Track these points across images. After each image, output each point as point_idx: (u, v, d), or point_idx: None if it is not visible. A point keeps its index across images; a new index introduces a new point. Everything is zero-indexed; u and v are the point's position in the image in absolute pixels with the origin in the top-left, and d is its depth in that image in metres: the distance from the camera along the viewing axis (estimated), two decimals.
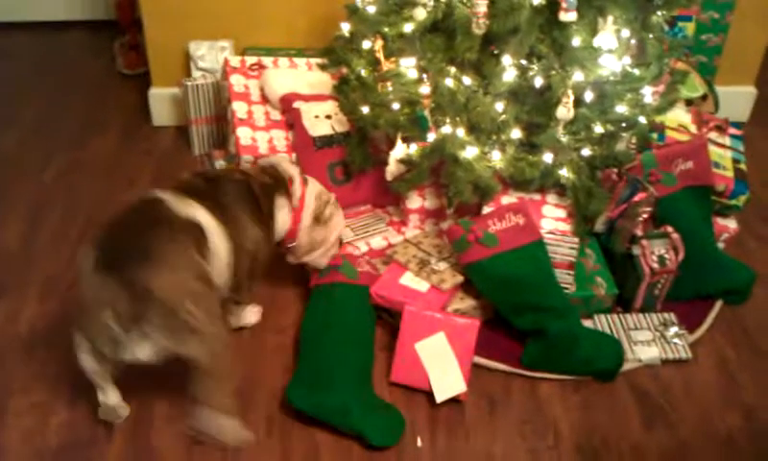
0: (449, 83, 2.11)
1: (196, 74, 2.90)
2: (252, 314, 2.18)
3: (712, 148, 2.49)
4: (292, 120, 2.52)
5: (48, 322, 2.17)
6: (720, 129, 2.61)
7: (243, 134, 2.48)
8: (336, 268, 2.14)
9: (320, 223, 2.09)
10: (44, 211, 2.59)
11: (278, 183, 2.04)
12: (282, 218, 2.04)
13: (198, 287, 1.68)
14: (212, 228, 1.80)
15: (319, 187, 2.12)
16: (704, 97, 2.93)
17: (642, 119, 2.19)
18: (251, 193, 1.94)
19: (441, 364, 1.96)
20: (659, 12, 2.18)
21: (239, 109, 2.55)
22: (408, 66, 2.19)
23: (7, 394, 1.95)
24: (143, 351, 1.68)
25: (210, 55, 2.92)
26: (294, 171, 2.08)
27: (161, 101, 3.07)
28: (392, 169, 2.28)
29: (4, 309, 2.21)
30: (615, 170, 2.29)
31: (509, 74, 2.05)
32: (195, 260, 1.70)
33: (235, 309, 2.12)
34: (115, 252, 1.64)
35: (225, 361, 1.75)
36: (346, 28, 2.40)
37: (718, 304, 2.30)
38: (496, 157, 2.15)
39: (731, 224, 2.47)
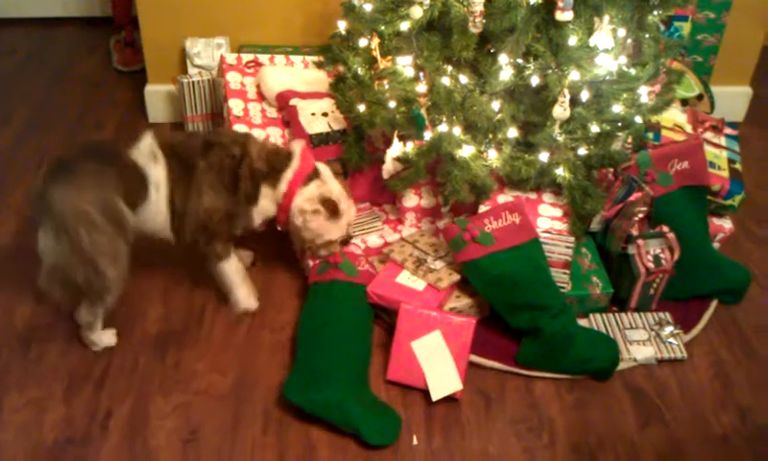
0: (446, 81, 2.11)
1: (192, 71, 2.90)
2: (246, 300, 2.19)
3: (708, 148, 2.49)
4: (288, 117, 2.52)
5: (43, 318, 2.17)
6: (716, 129, 2.61)
7: None
8: (336, 265, 2.14)
9: (308, 223, 2.10)
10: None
11: (271, 173, 2.07)
12: (265, 205, 2.10)
13: (98, 221, 1.87)
14: (159, 183, 1.99)
15: (315, 193, 2.09)
16: (699, 97, 2.94)
17: (638, 119, 2.19)
18: (233, 171, 2.02)
19: (437, 362, 1.96)
20: (655, 12, 2.18)
21: (235, 106, 2.55)
22: (404, 65, 2.19)
23: (2, 390, 1.95)
24: (42, 242, 1.91)
25: (206, 52, 2.91)
26: (293, 165, 2.08)
27: (157, 98, 3.06)
28: (388, 167, 2.28)
29: (0, 304, 2.21)
30: (611, 169, 2.30)
31: (505, 73, 2.05)
32: (108, 199, 1.90)
33: (220, 270, 2.15)
34: (57, 166, 1.90)
35: (96, 295, 1.96)
36: (342, 26, 2.40)
37: (713, 304, 2.31)
38: (493, 156, 2.15)
39: (726, 224, 2.47)
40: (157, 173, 2.00)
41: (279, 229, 2.19)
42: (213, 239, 2.09)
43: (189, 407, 1.93)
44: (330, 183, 2.13)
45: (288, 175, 2.08)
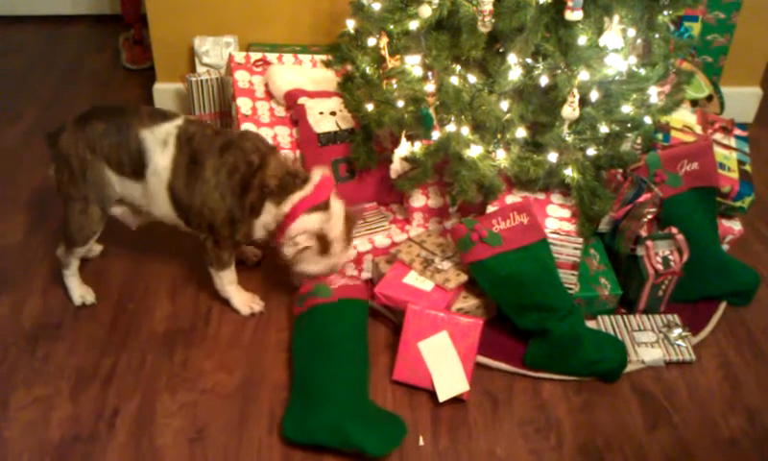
0: (454, 81, 2.11)
1: (200, 70, 2.90)
2: (246, 301, 2.22)
3: (717, 149, 2.48)
4: (296, 116, 2.51)
5: (51, 317, 2.17)
6: (725, 130, 2.60)
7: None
8: (310, 294, 2.07)
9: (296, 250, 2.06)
10: (48, 205, 2.59)
11: (280, 191, 2.03)
12: (266, 220, 2.07)
13: (77, 172, 2.05)
14: (160, 169, 2.05)
15: (315, 225, 2.03)
16: (709, 98, 2.92)
17: (648, 119, 2.18)
18: (245, 177, 2.03)
19: (443, 363, 1.96)
20: (665, 12, 2.16)
21: (243, 105, 2.55)
22: (413, 64, 2.18)
23: (10, 387, 1.95)
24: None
25: (215, 50, 2.91)
26: (305, 191, 2.03)
27: (166, 96, 3.07)
28: (396, 167, 2.28)
29: (8, 302, 2.21)
30: (620, 170, 2.29)
31: (514, 73, 2.04)
32: (93, 161, 2.05)
33: (213, 275, 2.19)
34: (80, 115, 2.10)
35: (66, 235, 2.14)
36: (351, 25, 2.39)
37: (722, 306, 2.30)
38: (501, 156, 2.14)
39: (735, 225, 2.46)
40: (162, 160, 2.04)
41: (272, 245, 2.16)
42: (218, 244, 2.10)
43: (196, 406, 1.93)
44: (335, 222, 2.06)
45: (295, 198, 2.02)
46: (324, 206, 2.05)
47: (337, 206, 2.08)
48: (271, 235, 2.10)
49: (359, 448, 1.78)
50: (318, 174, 2.07)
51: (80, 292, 2.22)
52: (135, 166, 2.06)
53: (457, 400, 1.96)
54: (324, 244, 2.05)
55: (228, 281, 2.19)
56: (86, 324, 2.15)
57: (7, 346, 2.07)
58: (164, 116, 2.09)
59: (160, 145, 2.04)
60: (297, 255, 2.06)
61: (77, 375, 2.00)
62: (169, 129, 2.06)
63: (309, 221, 2.02)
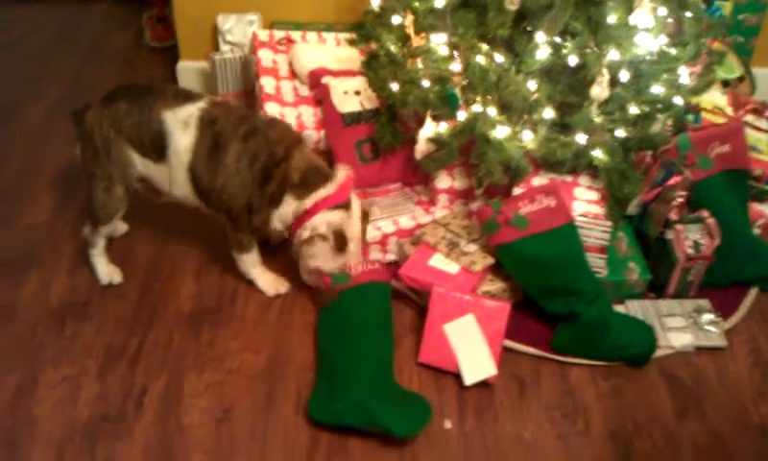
0: (481, 60, 2.07)
1: (224, 48, 2.88)
2: (271, 283, 2.21)
3: (749, 131, 2.44)
4: (320, 96, 2.49)
5: (78, 296, 2.19)
6: (757, 111, 2.56)
7: (271, 110, 2.45)
8: (329, 287, 2.05)
9: (312, 244, 2.06)
10: (75, 184, 2.59)
11: (302, 186, 2.04)
12: (285, 212, 2.08)
13: (100, 150, 2.06)
14: (180, 151, 2.04)
15: (335, 221, 2.04)
16: (740, 79, 2.87)
17: (678, 100, 2.14)
18: (267, 167, 2.02)
19: (470, 346, 1.95)
20: None
21: (267, 84, 2.53)
22: (439, 43, 2.15)
23: (38, 366, 1.97)
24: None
25: (238, 28, 2.89)
26: (328, 190, 2.04)
27: (189, 75, 3.06)
28: (421, 148, 2.26)
29: (35, 281, 2.22)
30: (650, 152, 2.25)
31: (542, 52, 2.01)
32: (116, 139, 2.05)
33: (236, 258, 2.18)
34: (107, 93, 2.12)
35: (91, 213, 2.16)
36: (375, 3, 2.36)
37: (753, 292, 2.26)
38: (528, 138, 2.11)
39: (767, 209, 2.42)
40: (183, 141, 2.04)
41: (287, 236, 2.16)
42: (236, 229, 2.11)
43: (222, 386, 1.94)
44: (353, 222, 2.08)
45: (318, 195, 2.03)
46: (346, 206, 2.07)
47: (356, 206, 2.10)
48: (287, 227, 2.11)
49: (385, 429, 1.78)
50: (342, 173, 2.08)
51: (107, 271, 2.23)
52: (156, 147, 2.06)
53: (483, 384, 1.95)
54: (340, 242, 2.05)
55: (251, 264, 2.19)
56: (113, 303, 2.16)
57: (34, 325, 2.09)
58: (188, 97, 2.08)
59: (182, 126, 2.03)
60: (311, 249, 2.06)
61: (104, 354, 2.01)
62: (191, 110, 2.05)
63: (329, 216, 2.04)
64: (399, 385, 1.93)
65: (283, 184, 2.05)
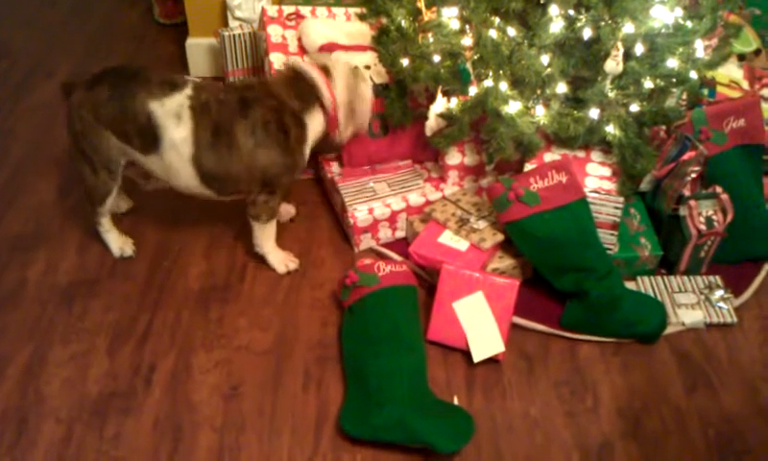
0: (493, 34, 2.04)
1: (233, 24, 2.86)
2: (282, 260, 2.22)
3: (765, 105, 2.40)
4: None
5: (87, 274, 2.19)
6: None
7: None
8: (355, 285, 1.99)
9: (355, 104, 2.17)
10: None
11: (308, 102, 2.08)
12: (315, 127, 2.12)
13: (79, 134, 2.02)
14: (178, 143, 1.98)
15: (345, 79, 2.14)
16: (757, 52, 2.81)
17: (693, 74, 2.10)
18: (278, 122, 2.02)
19: (479, 324, 1.93)
20: None
21: (277, 60, 2.51)
22: (450, 16, 2.12)
23: (47, 344, 1.98)
24: None
25: (247, 4, 2.87)
26: (319, 79, 2.09)
27: (198, 51, 3.04)
28: (431, 124, 2.23)
29: (44, 260, 2.23)
30: (664, 127, 2.22)
31: (556, 25, 1.98)
32: (92, 125, 1.99)
33: (257, 229, 2.17)
34: (92, 76, 2.04)
35: (85, 192, 2.15)
36: None
37: (766, 268, 2.24)
38: (540, 113, 2.08)
39: None
40: (178, 133, 1.97)
41: (334, 139, 2.22)
42: (273, 194, 2.09)
43: (231, 363, 1.94)
44: (338, 64, 2.16)
45: (323, 89, 2.09)
46: (327, 72, 2.14)
47: (318, 69, 2.14)
48: (321, 140, 2.17)
49: (428, 445, 1.70)
50: (299, 62, 2.13)
51: (118, 244, 2.23)
52: (146, 139, 1.99)
53: (492, 361, 1.94)
54: (359, 72, 2.18)
55: (267, 236, 2.18)
56: (122, 281, 2.17)
57: (44, 303, 2.09)
58: (173, 85, 1.99)
59: (174, 118, 1.96)
60: (365, 94, 2.18)
61: (113, 331, 2.02)
62: (180, 100, 1.97)
63: (342, 76, 2.14)
64: (434, 394, 1.84)
65: (299, 119, 2.07)
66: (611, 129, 2.08)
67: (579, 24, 1.97)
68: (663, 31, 1.99)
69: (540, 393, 1.89)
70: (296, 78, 2.09)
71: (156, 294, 2.13)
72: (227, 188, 2.07)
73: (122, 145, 2.02)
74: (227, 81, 2.84)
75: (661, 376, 1.94)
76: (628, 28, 1.93)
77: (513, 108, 2.05)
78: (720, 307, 2.08)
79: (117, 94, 1.97)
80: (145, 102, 1.96)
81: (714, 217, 2.11)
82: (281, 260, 2.21)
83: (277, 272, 2.20)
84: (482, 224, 2.14)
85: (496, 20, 2.06)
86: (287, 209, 2.38)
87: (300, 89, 2.08)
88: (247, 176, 2.04)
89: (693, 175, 2.11)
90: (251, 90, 2.05)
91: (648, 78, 2.03)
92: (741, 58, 2.76)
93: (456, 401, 1.86)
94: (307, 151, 2.12)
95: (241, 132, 1.99)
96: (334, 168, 2.45)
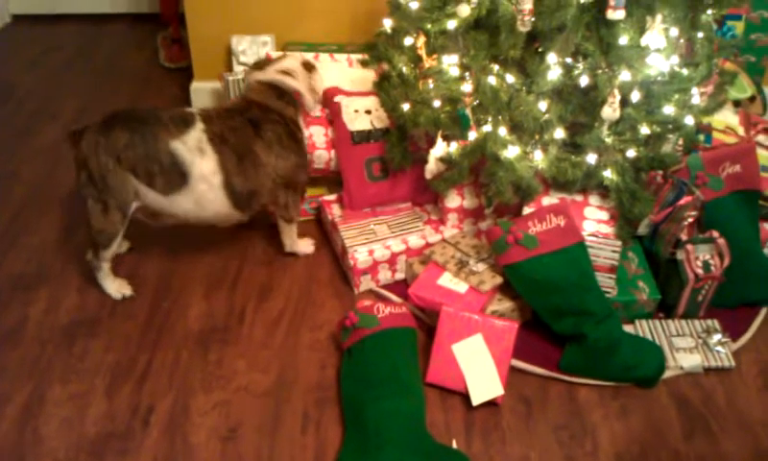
0: (492, 80, 2.08)
1: (238, 69, 2.91)
2: (306, 245, 2.45)
3: (761, 151, 2.43)
4: (331, 114, 2.51)
5: (88, 313, 2.20)
6: None
7: None
8: (354, 327, 2.00)
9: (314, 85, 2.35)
10: (86, 203, 2.60)
11: (295, 105, 2.28)
12: (302, 122, 2.36)
13: (96, 177, 2.04)
14: (207, 175, 2.09)
15: (303, 73, 2.32)
16: (752, 98, 2.86)
17: (690, 120, 2.13)
18: (287, 132, 2.22)
19: (478, 366, 1.94)
20: (708, 11, 2.12)
21: None
22: (450, 64, 2.16)
23: (46, 384, 1.98)
24: None
25: (252, 49, 2.92)
26: (296, 84, 2.26)
27: (203, 94, 3.09)
28: (431, 167, 2.26)
29: (45, 298, 2.24)
30: (661, 172, 2.24)
31: (553, 73, 2.01)
32: (111, 167, 2.03)
33: (288, 230, 2.38)
34: (104, 118, 2.08)
35: (92, 235, 2.16)
36: (388, 24, 2.38)
37: (763, 312, 2.25)
38: (538, 158, 2.11)
39: None
40: (206, 165, 2.09)
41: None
42: (296, 191, 2.29)
43: (229, 405, 1.94)
44: (285, 60, 2.33)
45: (303, 90, 2.27)
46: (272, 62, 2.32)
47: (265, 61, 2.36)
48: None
49: None
50: (248, 71, 2.33)
51: (116, 287, 2.25)
52: (170, 177, 2.07)
53: (491, 404, 1.94)
54: (308, 66, 2.37)
55: (293, 234, 2.39)
56: (122, 321, 2.17)
57: (44, 342, 2.10)
58: (185, 121, 2.09)
59: (197, 153, 2.07)
60: (318, 83, 2.38)
61: (112, 372, 2.02)
62: (197, 135, 2.08)
63: (305, 77, 2.35)
64: (432, 437, 1.83)
65: (296, 123, 2.27)
66: (608, 174, 2.11)
67: (576, 72, 2.01)
68: (659, 78, 2.02)
69: (539, 437, 1.88)
70: (277, 89, 2.25)
71: (155, 334, 2.14)
72: (255, 204, 2.23)
73: (141, 187, 2.07)
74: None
75: (660, 421, 1.93)
76: (624, 76, 1.96)
77: (511, 152, 2.08)
78: (718, 351, 2.09)
79: (138, 138, 2.03)
80: (167, 142, 2.05)
81: (711, 261, 2.12)
82: (307, 245, 2.45)
83: (305, 253, 2.44)
84: (481, 266, 2.16)
85: (495, 67, 2.10)
86: (306, 243, 2.47)
87: (286, 98, 2.26)
88: (272, 186, 2.22)
89: (690, 219, 2.13)
90: (251, 111, 2.20)
91: (645, 124, 2.06)
92: (737, 104, 2.80)
93: (455, 445, 1.85)
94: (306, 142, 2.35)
95: (261, 150, 2.16)
96: (335, 210, 2.47)
